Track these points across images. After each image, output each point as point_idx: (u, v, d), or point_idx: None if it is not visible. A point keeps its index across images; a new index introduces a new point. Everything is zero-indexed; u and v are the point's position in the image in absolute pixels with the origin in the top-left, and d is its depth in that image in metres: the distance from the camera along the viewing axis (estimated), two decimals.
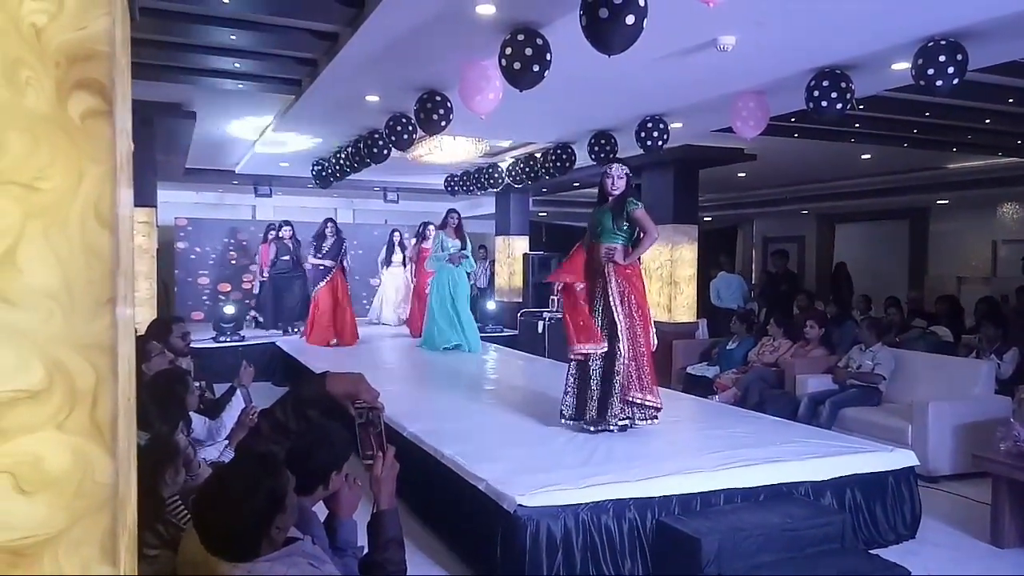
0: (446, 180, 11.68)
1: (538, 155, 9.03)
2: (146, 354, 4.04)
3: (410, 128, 6.63)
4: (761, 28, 4.49)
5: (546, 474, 3.67)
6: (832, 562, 3.47)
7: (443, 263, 8.46)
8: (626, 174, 4.84)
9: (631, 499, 3.54)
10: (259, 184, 12.56)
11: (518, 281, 12.57)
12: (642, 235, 4.73)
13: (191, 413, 3.74)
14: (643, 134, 6.68)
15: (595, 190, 5.04)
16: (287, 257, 10.16)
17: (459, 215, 8.83)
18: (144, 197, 7.56)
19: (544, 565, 3.30)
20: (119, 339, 1.00)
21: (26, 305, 0.94)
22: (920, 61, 4.47)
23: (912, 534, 4.20)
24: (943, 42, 4.42)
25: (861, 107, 5.94)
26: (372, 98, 6.48)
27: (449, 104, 5.90)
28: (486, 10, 4.27)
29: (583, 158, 8.27)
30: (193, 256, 12.25)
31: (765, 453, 4.11)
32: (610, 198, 4.77)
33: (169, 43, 5.67)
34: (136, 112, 1.57)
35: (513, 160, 9.73)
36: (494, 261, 13.55)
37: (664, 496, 3.61)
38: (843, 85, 5.08)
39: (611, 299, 4.60)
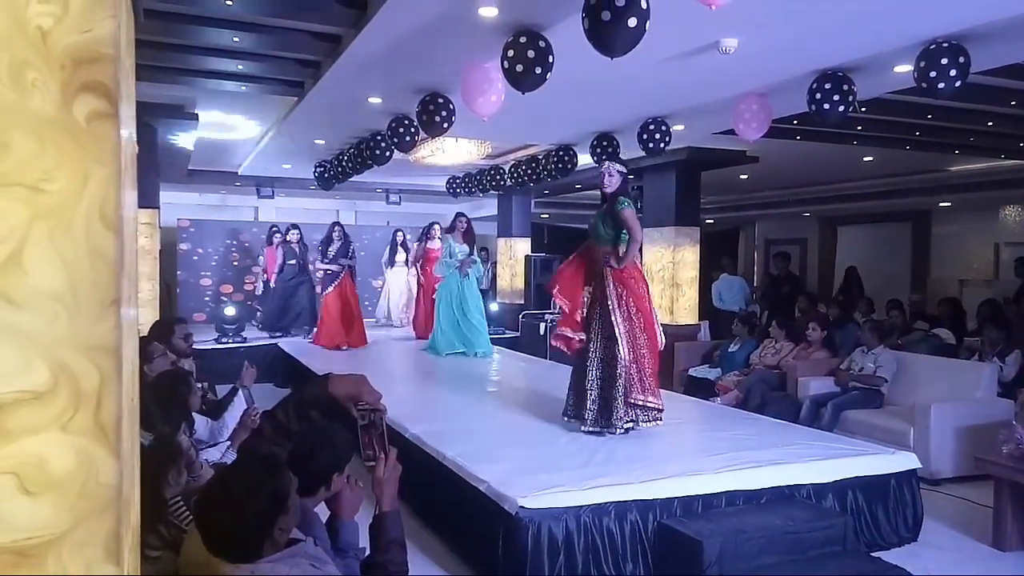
0: (448, 182, 11.69)
1: (540, 157, 9.03)
2: (148, 355, 4.05)
3: (412, 130, 6.63)
4: (763, 30, 4.49)
5: (548, 476, 3.67)
6: (834, 565, 3.46)
7: (451, 269, 8.38)
8: (619, 172, 4.83)
9: (633, 501, 3.54)
10: (261, 186, 12.57)
11: (520, 283, 12.57)
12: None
13: (193, 414, 3.74)
14: (645, 136, 6.68)
15: (597, 192, 5.05)
16: (294, 261, 10.10)
17: (467, 219, 8.76)
18: (147, 198, 7.58)
19: (546, 567, 3.30)
20: (123, 340, 1.00)
21: (31, 306, 0.94)
22: (922, 63, 4.47)
23: (914, 537, 4.20)
24: (945, 44, 4.42)
25: (863, 109, 5.93)
26: (374, 100, 6.49)
27: (451, 106, 5.91)
28: (488, 12, 4.27)
29: (585, 160, 8.28)
30: (195, 257, 12.27)
31: (767, 455, 4.11)
32: (607, 197, 4.77)
33: (172, 45, 5.68)
34: (139, 113, 1.57)
35: (515, 162, 9.73)
36: (496, 263, 13.56)
37: (666, 498, 3.61)
38: (845, 87, 5.08)
39: (609, 302, 4.61)
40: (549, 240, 16.05)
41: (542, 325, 9.86)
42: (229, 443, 3.94)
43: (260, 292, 11.15)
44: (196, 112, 7.63)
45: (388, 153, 7.62)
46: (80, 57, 0.95)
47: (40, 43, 0.94)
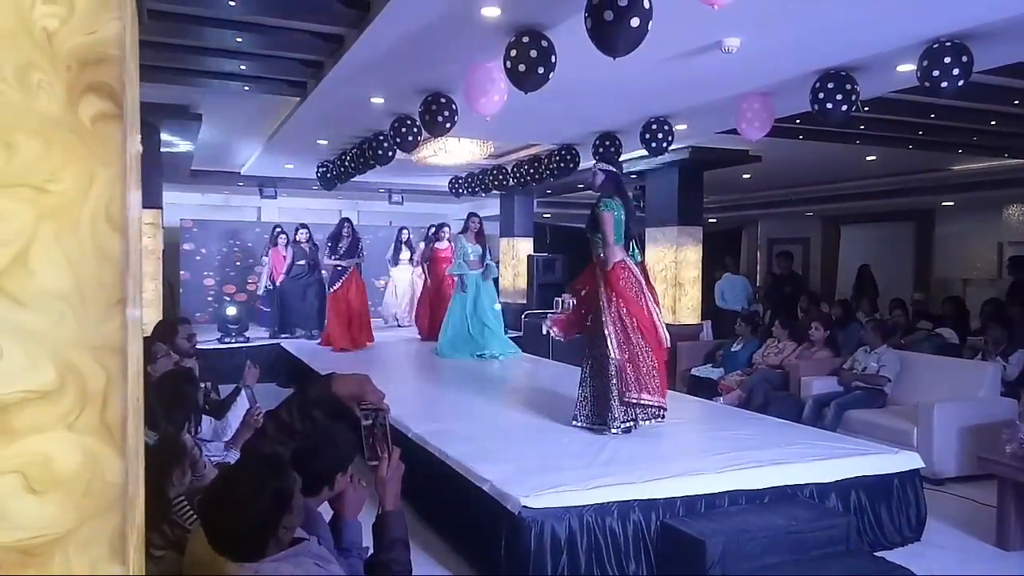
0: (451, 182, 11.69)
1: (542, 156, 9.03)
2: (152, 355, 4.05)
3: (415, 130, 6.64)
4: (766, 30, 4.49)
5: (550, 475, 3.68)
6: (837, 564, 3.46)
7: (465, 270, 8.25)
8: (604, 171, 4.88)
9: (636, 501, 3.54)
10: (264, 186, 12.59)
11: (522, 282, 12.57)
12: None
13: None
14: (648, 136, 6.68)
15: (599, 191, 5.06)
16: (303, 262, 10.01)
17: (480, 220, 8.62)
18: (150, 199, 7.59)
19: (548, 566, 3.31)
20: (129, 340, 1.01)
21: (37, 307, 0.95)
22: (925, 63, 4.47)
23: (917, 536, 4.19)
24: (948, 43, 4.42)
25: (866, 109, 5.93)
26: (377, 100, 6.50)
27: (454, 106, 5.91)
28: (491, 12, 4.27)
29: (587, 159, 8.27)
30: (199, 258, 12.28)
31: (770, 455, 4.10)
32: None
33: (175, 45, 5.69)
34: (142, 114, 1.58)
35: (517, 162, 9.73)
36: (498, 263, 13.55)
37: (669, 498, 3.61)
38: (848, 87, 5.08)
39: (600, 302, 4.67)
40: (551, 240, 16.05)
41: (544, 325, 9.85)
42: (232, 442, 3.95)
43: (262, 293, 11.11)
44: (199, 112, 7.64)
45: (391, 153, 7.62)
46: (86, 58, 0.96)
47: (46, 44, 0.95)
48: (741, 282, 10.53)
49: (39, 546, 0.95)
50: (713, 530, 3.41)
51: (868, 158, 9.70)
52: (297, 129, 8.00)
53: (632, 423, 4.60)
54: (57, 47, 0.95)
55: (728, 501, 3.74)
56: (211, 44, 5.69)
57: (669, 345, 4.76)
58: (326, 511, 2.39)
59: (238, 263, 12.47)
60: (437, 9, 4.27)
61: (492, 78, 5.02)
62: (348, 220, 9.51)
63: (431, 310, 9.38)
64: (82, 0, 0.96)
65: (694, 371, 8.01)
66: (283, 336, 9.73)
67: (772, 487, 3.85)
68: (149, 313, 7.13)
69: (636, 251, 4.82)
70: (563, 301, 10.38)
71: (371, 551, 2.18)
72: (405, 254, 10.95)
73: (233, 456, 3.73)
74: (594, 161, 7.32)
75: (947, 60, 4.39)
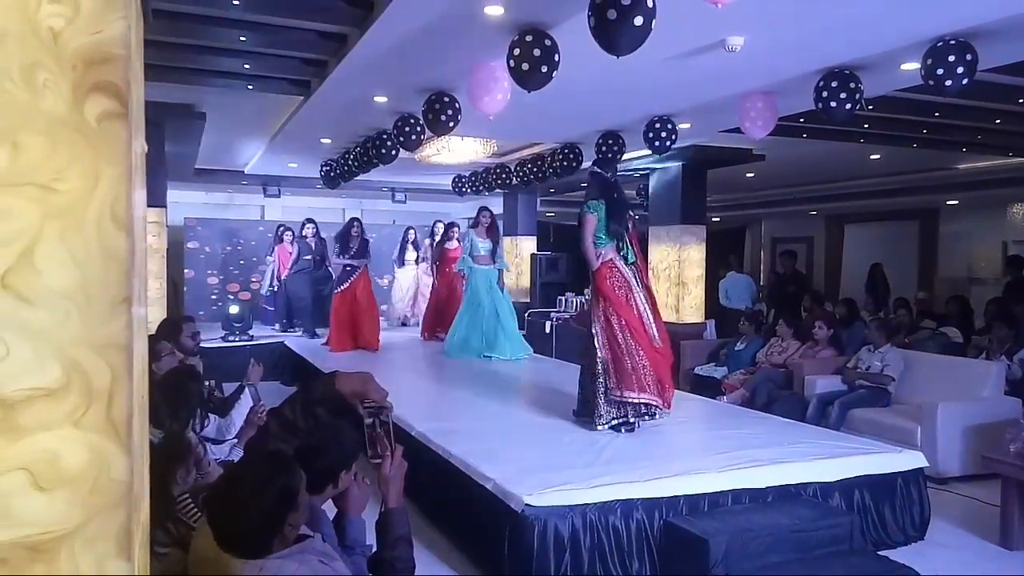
0: (454, 180, 11.70)
1: (546, 155, 9.03)
2: (156, 353, 4.07)
3: (418, 129, 6.64)
4: (770, 28, 4.48)
5: (554, 474, 3.68)
6: (841, 563, 3.46)
7: (470, 265, 8.07)
8: (590, 172, 4.98)
9: (639, 499, 3.55)
10: (268, 185, 12.61)
11: (525, 281, 12.58)
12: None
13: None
14: (651, 134, 6.68)
15: None
16: (309, 257, 9.85)
17: (491, 213, 8.35)
18: (154, 197, 7.60)
19: (551, 565, 3.31)
20: (134, 338, 1.01)
21: (44, 305, 0.95)
22: (929, 61, 4.46)
23: (921, 536, 4.19)
24: (952, 42, 4.41)
25: (870, 107, 5.92)
26: (380, 99, 6.50)
27: (457, 105, 5.91)
28: (494, 11, 4.27)
29: (591, 158, 8.27)
30: (202, 256, 12.31)
31: (773, 454, 4.10)
32: None
33: (179, 44, 5.70)
34: (146, 113, 1.59)
35: (521, 160, 9.74)
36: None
37: (672, 496, 3.61)
38: (852, 85, 5.07)
39: (591, 300, 4.83)
40: (555, 238, 16.06)
41: (548, 324, 9.86)
42: (236, 440, 3.96)
43: (266, 292, 11.10)
44: (203, 111, 7.66)
45: (394, 152, 7.63)
46: (91, 58, 0.97)
47: (52, 44, 0.95)
48: (745, 281, 10.52)
49: (46, 542, 0.96)
50: (716, 529, 3.41)
51: (872, 157, 9.69)
52: (301, 128, 8.02)
53: (622, 421, 4.61)
54: (63, 46, 0.95)
55: (731, 500, 3.74)
56: (215, 43, 5.70)
57: (660, 345, 4.72)
58: (330, 509, 2.40)
59: (242, 261, 12.49)
60: (440, 8, 4.27)
61: (495, 77, 5.02)
62: (357, 219, 9.19)
63: (438, 311, 9.19)
64: (87, 0, 0.96)
65: (697, 370, 8.00)
66: (293, 331, 9.61)
67: (776, 486, 3.85)
68: (153, 311, 7.15)
69: (628, 250, 4.82)
70: (567, 299, 10.40)
71: (374, 549, 2.18)
72: (411, 254, 10.80)
73: (237, 454, 3.75)
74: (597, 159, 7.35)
75: (951, 58, 4.38)
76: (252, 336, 9.44)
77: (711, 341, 8.75)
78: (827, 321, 7.20)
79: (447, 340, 8.22)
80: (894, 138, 8.04)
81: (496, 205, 13.60)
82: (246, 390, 4.34)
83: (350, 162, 9.10)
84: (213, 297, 12.17)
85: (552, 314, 10.03)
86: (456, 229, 9.53)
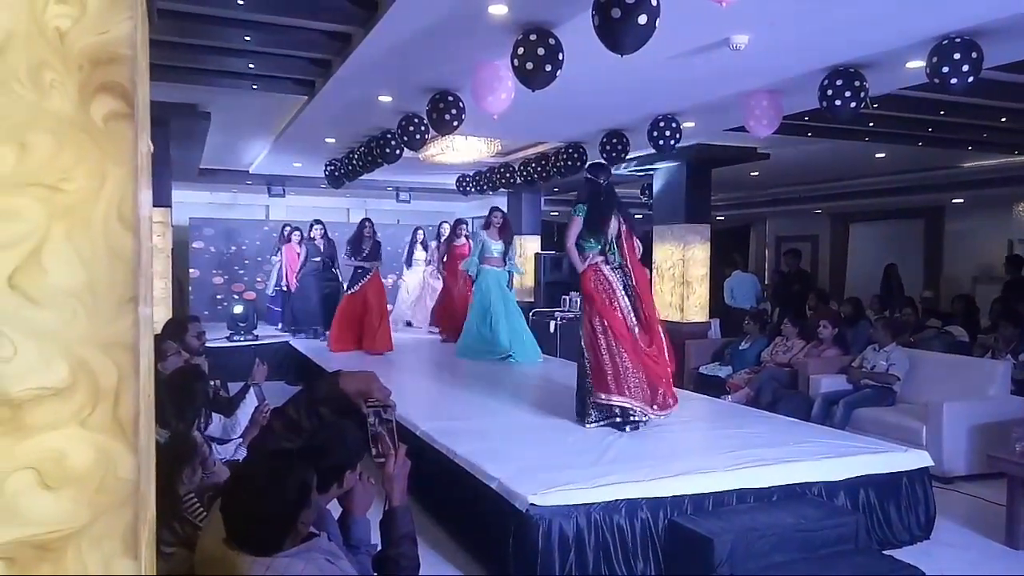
0: (458, 180, 11.70)
1: (550, 154, 9.03)
2: (162, 353, 4.08)
3: (422, 128, 6.65)
4: (774, 27, 4.47)
5: (558, 473, 3.68)
6: (846, 563, 3.45)
7: (475, 267, 7.92)
8: (584, 177, 5.08)
9: (643, 499, 3.54)
10: (272, 184, 12.62)
11: (529, 280, 12.59)
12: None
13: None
14: (655, 133, 6.67)
15: None
16: (318, 258, 9.69)
17: (503, 214, 8.19)
18: (159, 197, 7.62)
19: (556, 564, 3.31)
20: (140, 338, 1.02)
21: (50, 304, 0.96)
22: (935, 59, 4.45)
23: (926, 535, 4.18)
24: (958, 40, 4.39)
25: (875, 106, 5.89)
26: (385, 98, 6.51)
27: (461, 104, 5.91)
28: (498, 10, 4.27)
29: (595, 157, 8.26)
30: (207, 256, 12.34)
31: (778, 453, 4.10)
32: None
33: (184, 44, 5.71)
34: (152, 112, 1.60)
35: (525, 159, 9.73)
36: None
37: (676, 496, 3.61)
38: (857, 84, 5.06)
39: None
40: (559, 238, 16.04)
41: (552, 323, 9.85)
42: (241, 440, 3.97)
43: (272, 292, 11.09)
44: (208, 111, 7.67)
45: (398, 151, 7.64)
46: (97, 58, 0.97)
47: (58, 44, 0.96)
48: (751, 280, 10.50)
49: (53, 541, 0.96)
50: (721, 528, 3.40)
51: (877, 155, 9.66)
52: (305, 127, 8.03)
53: (608, 423, 4.65)
54: (69, 47, 0.96)
55: (736, 499, 3.73)
56: (220, 43, 5.71)
57: (651, 349, 4.71)
58: (334, 509, 2.40)
59: (246, 261, 12.52)
60: (445, 8, 4.27)
61: (499, 76, 5.02)
62: (369, 220, 9.00)
63: (450, 311, 9.04)
64: (94, 0, 0.96)
65: (702, 369, 7.99)
66: (301, 335, 9.45)
67: (780, 485, 3.85)
68: (159, 311, 7.16)
69: (615, 253, 4.84)
70: (571, 299, 10.39)
71: (379, 548, 2.19)
72: (420, 254, 10.71)
73: (242, 454, 3.75)
74: (601, 159, 7.36)
75: (957, 56, 4.36)
76: (257, 336, 9.45)
77: (715, 340, 8.73)
78: (832, 320, 7.19)
79: (459, 342, 8.07)
80: (899, 136, 8.02)
81: (500, 205, 13.62)
82: (251, 390, 4.35)
83: (354, 162, 9.10)
84: (218, 297, 12.20)
85: (556, 313, 10.02)
86: (464, 226, 9.38)
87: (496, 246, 7.99)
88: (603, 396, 4.63)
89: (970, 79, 4.41)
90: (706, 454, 4.22)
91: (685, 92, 6.09)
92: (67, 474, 0.97)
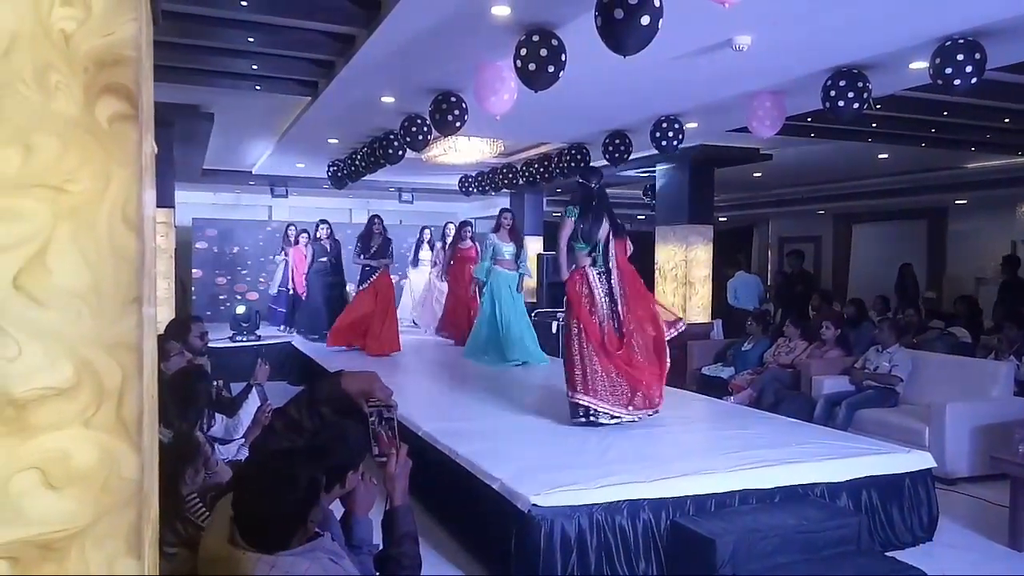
0: (460, 180, 11.72)
1: (552, 155, 9.03)
2: (165, 353, 4.08)
3: (425, 129, 6.66)
4: (777, 28, 4.47)
5: (560, 474, 3.68)
6: (848, 564, 3.45)
7: (485, 273, 7.77)
8: (577, 182, 5.17)
9: (645, 499, 3.54)
10: (275, 185, 12.64)
11: (532, 281, 12.58)
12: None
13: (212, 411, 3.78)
14: (658, 134, 6.67)
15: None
16: (325, 259, 9.54)
17: (513, 215, 7.99)
18: (163, 198, 7.64)
19: (558, 565, 3.31)
20: (144, 338, 1.02)
21: (55, 305, 0.96)
22: (938, 60, 4.44)
23: (929, 536, 4.17)
24: (961, 41, 4.39)
25: (878, 106, 5.90)
26: (387, 99, 6.52)
27: (464, 105, 5.92)
28: (501, 11, 4.28)
29: (598, 158, 8.27)
30: (210, 256, 12.36)
31: (780, 454, 4.09)
32: None
33: (188, 46, 5.73)
34: (155, 113, 1.60)
35: (527, 160, 9.74)
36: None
37: (679, 497, 3.61)
38: (860, 84, 5.06)
39: None
40: None
41: (554, 324, 9.84)
42: (243, 440, 3.97)
43: (276, 292, 11.07)
44: (211, 112, 7.69)
45: (401, 152, 7.65)
46: (102, 60, 0.97)
47: (63, 46, 0.96)
48: (754, 281, 10.49)
49: (57, 541, 0.97)
50: (723, 529, 3.40)
51: (880, 156, 9.66)
52: (308, 128, 8.04)
53: (585, 421, 4.74)
54: (74, 49, 0.96)
55: (738, 500, 3.73)
56: (223, 44, 5.73)
57: (619, 353, 4.76)
58: (336, 509, 2.41)
59: (249, 262, 12.53)
60: (447, 9, 4.28)
61: (502, 77, 5.03)
62: (379, 217, 8.69)
63: (458, 318, 8.89)
64: (99, 2, 0.97)
65: (704, 370, 7.98)
66: (312, 337, 9.24)
67: (783, 486, 3.84)
68: (162, 311, 7.18)
69: (600, 257, 4.90)
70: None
71: (381, 547, 2.19)
72: (426, 254, 10.62)
73: (244, 454, 3.76)
74: (604, 161, 7.37)
75: (960, 57, 4.36)
76: (259, 336, 9.46)
77: (718, 341, 8.73)
78: (834, 321, 7.18)
79: (468, 344, 7.95)
80: (902, 137, 8.01)
81: (503, 205, 13.63)
82: (253, 390, 4.36)
83: (357, 162, 9.11)
84: (221, 297, 12.22)
85: (559, 314, 10.00)
86: (469, 228, 9.20)
87: (507, 248, 7.82)
88: (570, 394, 4.81)
89: (973, 80, 4.40)
90: (708, 455, 4.21)
91: (688, 93, 6.09)
92: (71, 474, 0.97)
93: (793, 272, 10.07)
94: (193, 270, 12.24)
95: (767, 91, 5.77)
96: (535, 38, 4.43)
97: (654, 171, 9.34)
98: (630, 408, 4.76)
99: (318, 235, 9.79)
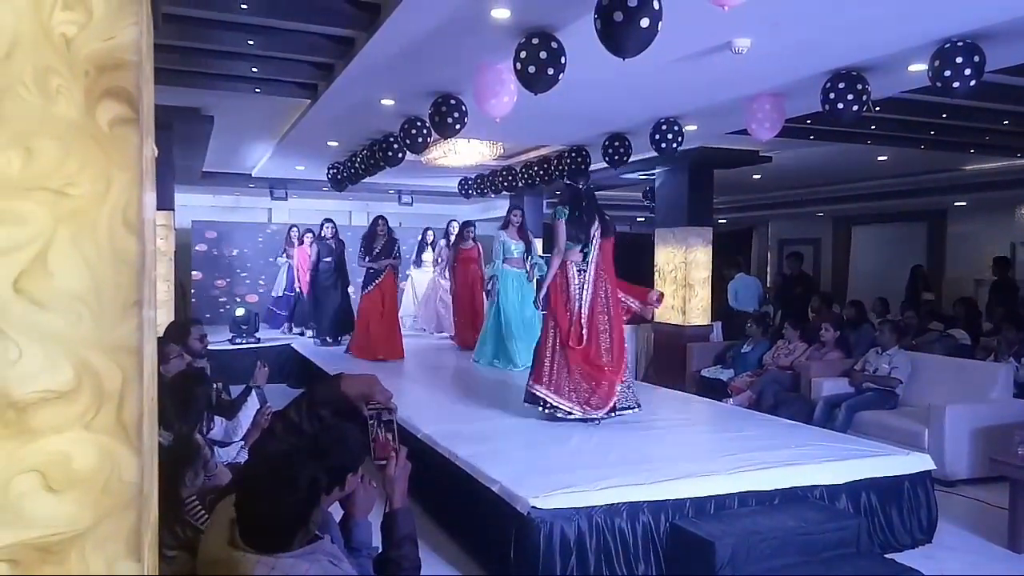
0: (460, 183, 11.71)
1: (552, 157, 9.03)
2: (164, 356, 4.08)
3: (425, 131, 6.66)
4: (776, 30, 4.48)
5: (560, 476, 3.68)
6: (847, 566, 3.45)
7: (497, 271, 7.67)
8: (565, 184, 5.34)
9: (645, 502, 3.55)
10: (275, 187, 12.62)
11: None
12: None
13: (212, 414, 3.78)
14: (658, 136, 6.67)
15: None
16: (329, 259, 9.45)
17: (522, 212, 7.88)
18: (162, 200, 7.63)
19: (558, 567, 3.31)
20: (144, 341, 1.02)
21: (56, 308, 0.96)
22: (937, 62, 4.45)
23: (928, 538, 4.18)
24: (960, 43, 4.39)
25: (877, 109, 5.89)
26: (387, 102, 6.52)
27: (464, 107, 5.92)
28: (501, 14, 4.28)
29: (598, 160, 8.27)
30: (210, 259, 12.36)
31: (780, 456, 4.10)
32: None
33: (187, 49, 5.73)
34: (155, 116, 1.61)
35: (527, 163, 9.74)
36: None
37: (678, 499, 3.61)
38: (859, 87, 5.06)
39: None
40: None
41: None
42: (243, 443, 3.98)
43: (279, 294, 11.05)
44: (211, 115, 7.69)
45: (401, 155, 7.65)
46: (103, 63, 0.98)
47: (64, 50, 0.96)
48: (754, 283, 10.50)
49: (57, 543, 0.97)
50: (723, 531, 3.40)
51: (879, 158, 9.65)
52: (308, 131, 8.04)
53: (547, 414, 4.91)
54: (75, 53, 0.97)
55: (738, 502, 3.73)
56: (223, 47, 5.72)
57: (586, 347, 4.90)
58: (335, 511, 2.41)
59: (249, 264, 12.53)
60: (447, 11, 4.28)
61: (502, 79, 5.03)
62: (383, 218, 8.67)
63: (465, 316, 8.83)
64: (100, 6, 0.97)
65: (704, 372, 7.99)
66: (328, 341, 9.14)
67: (782, 488, 3.84)
68: (161, 314, 7.17)
69: (588, 255, 5.04)
70: None
71: (380, 550, 2.19)
72: (428, 255, 10.61)
73: (243, 456, 3.76)
74: (604, 163, 7.39)
75: (959, 60, 4.36)
76: (259, 339, 9.45)
77: (717, 343, 8.73)
78: (834, 323, 7.19)
79: (477, 347, 7.85)
80: (902, 139, 8.01)
81: (502, 207, 13.63)
82: (253, 392, 4.36)
83: (357, 165, 9.11)
84: (220, 300, 12.21)
85: None
86: (471, 229, 9.14)
87: (517, 246, 7.73)
88: (531, 383, 4.99)
89: (972, 82, 4.41)
90: (708, 457, 4.22)
91: (687, 95, 6.09)
92: (71, 476, 0.97)
93: (793, 274, 10.08)
94: (193, 272, 12.23)
95: (766, 93, 5.77)
96: (535, 40, 4.43)
97: (653, 173, 9.34)
98: (585, 408, 4.89)
99: (323, 234, 9.75)
